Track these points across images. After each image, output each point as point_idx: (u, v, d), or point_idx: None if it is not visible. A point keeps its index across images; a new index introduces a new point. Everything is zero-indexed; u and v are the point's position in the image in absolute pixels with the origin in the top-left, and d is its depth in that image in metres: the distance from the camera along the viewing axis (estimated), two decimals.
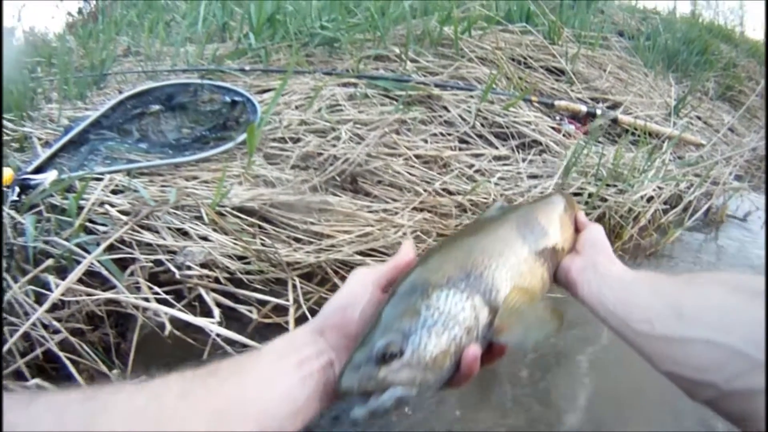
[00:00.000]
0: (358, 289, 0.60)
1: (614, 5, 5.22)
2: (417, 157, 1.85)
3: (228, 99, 1.98)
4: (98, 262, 1.24)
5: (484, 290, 0.58)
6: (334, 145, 1.76)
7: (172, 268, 1.27)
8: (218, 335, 1.14)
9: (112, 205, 1.42)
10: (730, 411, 0.46)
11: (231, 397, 0.45)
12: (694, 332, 0.50)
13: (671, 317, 0.53)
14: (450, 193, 1.76)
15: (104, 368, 1.12)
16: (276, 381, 0.49)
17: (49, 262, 1.24)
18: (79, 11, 7.27)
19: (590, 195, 1.96)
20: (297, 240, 1.42)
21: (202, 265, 1.30)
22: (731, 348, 0.45)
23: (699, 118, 3.37)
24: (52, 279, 1.21)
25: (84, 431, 0.37)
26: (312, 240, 1.42)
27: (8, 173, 1.48)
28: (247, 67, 2.27)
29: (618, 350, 1.36)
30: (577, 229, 0.82)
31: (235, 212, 1.44)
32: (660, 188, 2.17)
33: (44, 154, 1.69)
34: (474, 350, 0.53)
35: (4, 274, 1.18)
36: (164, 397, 0.42)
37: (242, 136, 1.73)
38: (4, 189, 1.43)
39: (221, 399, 0.45)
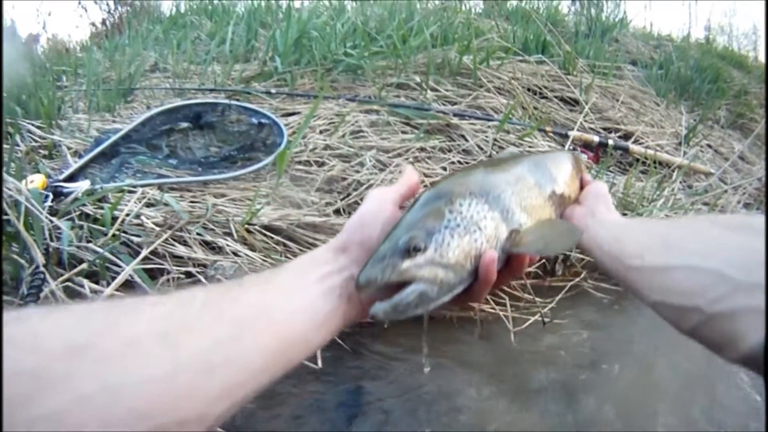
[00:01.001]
0: (376, 206, 0.61)
1: (628, 33, 5.25)
2: (433, 184, 1.92)
3: (255, 121, 2.07)
4: (133, 271, 1.32)
5: (502, 209, 0.60)
6: (358, 171, 1.84)
7: (203, 281, 1.34)
8: None
9: (146, 217, 1.49)
10: (713, 335, 0.48)
11: (255, 307, 0.46)
12: (679, 260, 0.52)
13: (659, 249, 0.56)
14: None
15: None
16: (299, 293, 0.50)
17: (84, 266, 1.31)
18: (103, 22, 7.42)
19: None
20: None
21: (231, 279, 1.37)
22: (714, 271, 0.47)
23: (710, 146, 3.41)
24: (86, 283, 1.28)
25: (107, 334, 0.37)
26: None
27: (41, 179, 1.56)
28: (273, 90, 2.35)
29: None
30: (582, 186, 0.86)
31: (262, 230, 1.51)
32: (668, 216, 2.23)
33: (76, 163, 1.77)
34: (492, 254, 0.55)
35: (41, 268, 1.25)
36: (188, 306, 0.43)
37: (270, 158, 1.80)
38: (42, 192, 1.50)
39: (245, 308, 0.45)
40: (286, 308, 0.47)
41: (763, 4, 6.16)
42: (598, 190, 0.80)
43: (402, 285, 0.53)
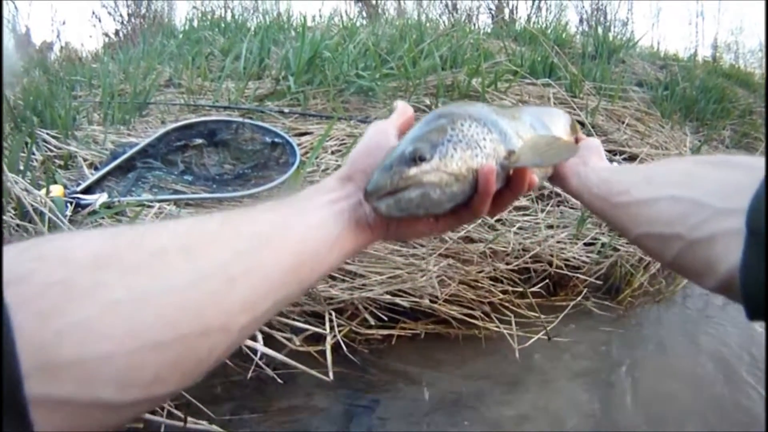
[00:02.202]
0: (379, 136, 0.63)
1: (635, 54, 5.29)
2: None
3: (269, 140, 2.12)
4: None
5: (500, 132, 0.62)
6: None
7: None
8: (262, 356, 1.27)
9: None
10: (694, 262, 0.49)
11: (270, 224, 0.48)
12: (661, 192, 0.55)
13: (644, 184, 0.58)
14: (472, 240, 1.88)
15: None
16: (311, 213, 0.51)
17: None
18: (116, 33, 7.53)
19: (603, 245, 2.09)
20: (332, 277, 1.55)
21: None
22: (693, 200, 0.49)
23: None
24: None
25: (132, 247, 0.39)
26: (345, 278, 1.55)
27: (59, 189, 1.61)
28: (286, 110, 2.41)
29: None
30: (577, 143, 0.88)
31: None
32: None
33: (92, 175, 1.81)
34: (490, 165, 0.57)
35: None
36: (208, 223, 0.45)
37: (284, 177, 1.86)
38: (66, 200, 1.55)
39: (261, 225, 0.47)
40: (299, 226, 0.49)
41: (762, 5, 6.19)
42: (591, 143, 0.81)
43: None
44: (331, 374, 1.36)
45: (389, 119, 0.67)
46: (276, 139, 2.12)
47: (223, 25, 4.59)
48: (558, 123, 0.84)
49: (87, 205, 1.60)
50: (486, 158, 0.58)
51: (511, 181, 0.62)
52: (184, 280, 0.39)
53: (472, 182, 0.57)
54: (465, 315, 1.64)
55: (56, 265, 0.35)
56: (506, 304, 1.74)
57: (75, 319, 0.33)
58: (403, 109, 0.69)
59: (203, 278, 0.40)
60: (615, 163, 0.78)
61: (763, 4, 6.35)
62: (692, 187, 0.51)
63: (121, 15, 7.98)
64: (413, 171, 0.54)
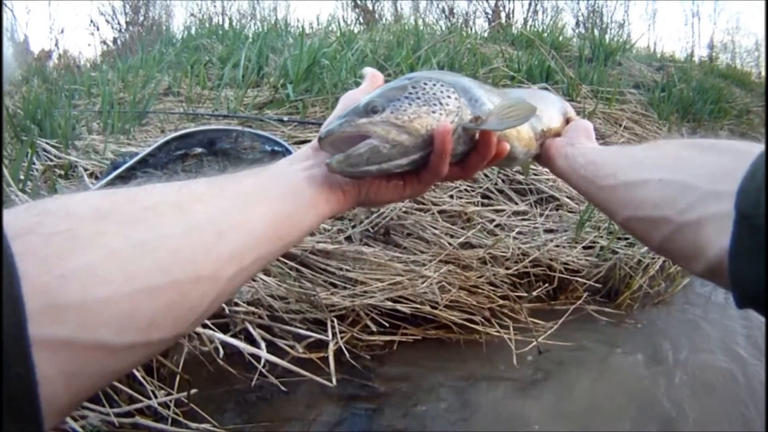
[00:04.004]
0: (350, 102, 0.63)
1: (632, 56, 5.31)
2: (442, 212, 2.00)
3: (268, 148, 2.13)
4: None
5: (470, 98, 0.62)
6: None
7: (222, 304, 1.41)
8: (265, 363, 1.28)
9: None
10: (682, 246, 0.49)
11: (252, 185, 0.51)
12: (649, 174, 0.54)
13: (631, 166, 0.58)
14: (472, 246, 1.90)
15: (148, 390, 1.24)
16: (287, 177, 0.54)
17: None
18: (114, 41, 7.56)
19: (602, 248, 2.10)
20: (333, 285, 1.56)
21: (248, 303, 1.44)
22: (682, 183, 0.49)
23: None
24: None
25: (128, 202, 0.42)
26: (347, 285, 1.56)
27: None
28: (285, 118, 2.43)
29: None
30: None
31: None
32: None
33: (93, 185, 1.82)
34: (446, 124, 0.57)
35: None
36: (195, 184, 0.48)
37: None
38: None
39: (244, 185, 0.50)
40: (277, 188, 0.52)
41: (763, 9, 6.22)
42: (580, 124, 0.80)
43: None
44: (334, 380, 1.37)
45: (360, 87, 0.67)
46: (276, 148, 2.12)
47: (221, 32, 4.61)
48: (548, 105, 0.82)
49: None
50: (447, 116, 0.58)
51: (477, 144, 0.62)
52: (177, 231, 0.42)
53: (427, 138, 0.57)
54: (465, 320, 1.65)
55: (60, 217, 0.38)
56: (506, 309, 1.76)
57: (78, 264, 0.35)
58: (372, 75, 0.70)
59: (194, 229, 0.43)
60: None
61: (761, 3, 6.38)
62: (680, 171, 0.51)
63: (119, 23, 8.02)
64: (362, 120, 0.55)
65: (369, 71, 0.70)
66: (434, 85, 0.60)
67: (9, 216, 0.36)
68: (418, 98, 0.58)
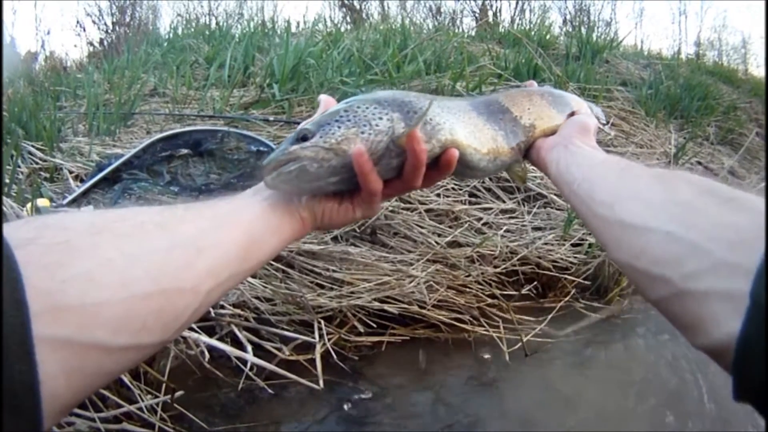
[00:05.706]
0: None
1: (619, 54, 5.32)
2: (429, 211, 1.99)
3: (254, 148, 2.12)
4: None
5: (408, 111, 0.63)
6: None
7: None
8: (252, 367, 1.27)
9: None
10: (682, 314, 0.43)
11: (225, 209, 0.55)
12: (655, 222, 0.47)
13: (633, 203, 0.51)
14: (460, 245, 1.89)
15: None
16: (254, 204, 0.59)
17: None
18: (101, 42, 7.50)
19: (590, 245, 2.10)
20: (320, 286, 1.55)
21: (234, 305, 1.43)
22: (693, 243, 0.43)
23: (699, 163, 3.48)
24: None
25: (119, 220, 0.47)
26: (333, 286, 1.55)
27: (44, 203, 1.60)
28: (271, 118, 2.42)
29: None
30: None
31: None
32: None
33: (78, 188, 1.81)
34: (360, 147, 0.58)
35: None
36: (174, 209, 0.52)
37: None
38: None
39: (217, 209, 0.55)
40: (246, 214, 0.57)
41: (754, 11, 6.29)
42: (575, 120, 0.75)
43: None
44: (321, 382, 1.36)
45: (315, 116, 0.69)
46: (261, 148, 2.11)
47: (207, 32, 4.58)
48: (534, 104, 0.79)
49: None
50: (376, 135, 0.61)
51: (406, 153, 0.62)
52: (162, 246, 0.47)
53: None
54: (454, 319, 1.65)
55: (58, 230, 0.42)
56: (494, 308, 1.75)
57: (77, 271, 0.39)
58: (325, 101, 0.71)
59: (177, 246, 0.48)
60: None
61: (747, 2, 6.43)
62: (692, 227, 0.44)
63: (105, 24, 7.95)
64: (294, 147, 0.59)
65: (322, 98, 0.73)
66: (367, 108, 0.62)
67: (9, 229, 0.39)
68: (348, 121, 0.61)
